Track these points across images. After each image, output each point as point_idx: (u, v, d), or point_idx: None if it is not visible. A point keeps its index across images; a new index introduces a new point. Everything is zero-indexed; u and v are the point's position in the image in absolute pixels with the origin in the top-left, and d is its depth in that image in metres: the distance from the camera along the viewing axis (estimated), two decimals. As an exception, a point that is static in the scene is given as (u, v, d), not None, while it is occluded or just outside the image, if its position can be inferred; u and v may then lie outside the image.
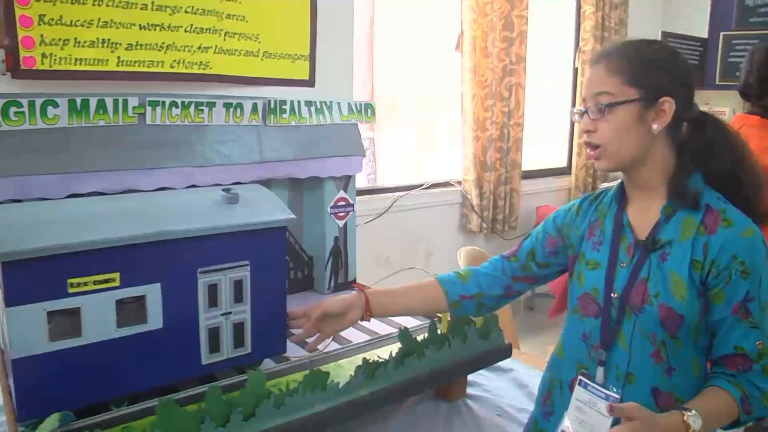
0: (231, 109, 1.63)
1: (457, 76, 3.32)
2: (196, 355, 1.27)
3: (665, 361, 0.97)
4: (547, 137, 4.18)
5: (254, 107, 1.67)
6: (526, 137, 3.59)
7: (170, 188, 1.51)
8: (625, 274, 1.02)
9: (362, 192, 3.19)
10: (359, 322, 1.25)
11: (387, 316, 1.30)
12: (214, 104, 1.61)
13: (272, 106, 1.68)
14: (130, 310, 1.15)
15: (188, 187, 1.55)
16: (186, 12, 2.45)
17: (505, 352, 1.50)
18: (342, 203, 1.86)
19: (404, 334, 1.32)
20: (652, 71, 0.98)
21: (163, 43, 2.42)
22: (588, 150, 1.06)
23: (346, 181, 1.87)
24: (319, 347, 1.35)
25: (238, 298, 1.29)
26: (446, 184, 3.43)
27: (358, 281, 1.96)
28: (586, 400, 1.00)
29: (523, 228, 3.68)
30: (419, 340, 1.34)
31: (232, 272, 1.28)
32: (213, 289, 1.26)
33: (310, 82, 2.81)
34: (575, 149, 4.01)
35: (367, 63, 3.51)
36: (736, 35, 2.67)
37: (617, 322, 1.01)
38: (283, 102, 1.70)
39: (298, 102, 1.74)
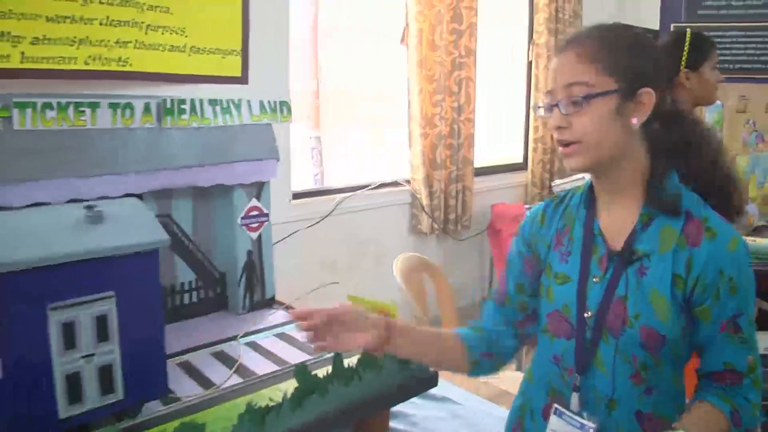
0: (119, 110, 1.41)
1: (405, 70, 3.10)
2: (51, 407, 1.04)
3: (644, 382, 0.89)
4: (502, 132, 3.98)
5: (146, 107, 1.44)
6: (479, 133, 3.39)
7: (45, 204, 1.26)
8: (598, 291, 0.91)
9: (305, 194, 2.97)
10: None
11: (400, 355, 1.06)
12: (98, 104, 1.38)
13: (168, 105, 1.46)
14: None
15: (70, 201, 1.32)
16: (101, 3, 2.19)
17: (430, 381, 1.30)
18: (254, 213, 1.64)
19: (301, 371, 1.11)
20: (632, 59, 0.86)
21: (75, 37, 2.15)
22: (560, 147, 0.90)
23: (259, 188, 1.65)
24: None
25: (102, 336, 1.07)
26: (395, 183, 3.22)
27: (279, 297, 1.74)
28: (562, 431, 0.91)
29: (477, 227, 3.49)
30: (320, 376, 1.13)
31: (92, 307, 1.05)
32: (69, 328, 1.04)
33: (242, 79, 2.56)
34: (531, 144, 3.82)
35: (311, 58, 3.27)
36: (685, 26, 2.51)
37: (593, 343, 0.91)
38: (182, 101, 1.48)
39: (200, 101, 1.51)
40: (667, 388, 0.91)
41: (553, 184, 3.44)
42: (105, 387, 1.09)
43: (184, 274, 1.60)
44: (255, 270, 1.67)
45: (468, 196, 3.35)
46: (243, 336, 1.51)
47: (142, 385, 1.12)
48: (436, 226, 3.23)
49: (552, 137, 4.17)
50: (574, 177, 3.36)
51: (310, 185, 3.15)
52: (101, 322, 1.06)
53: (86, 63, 2.26)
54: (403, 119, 3.26)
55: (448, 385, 1.49)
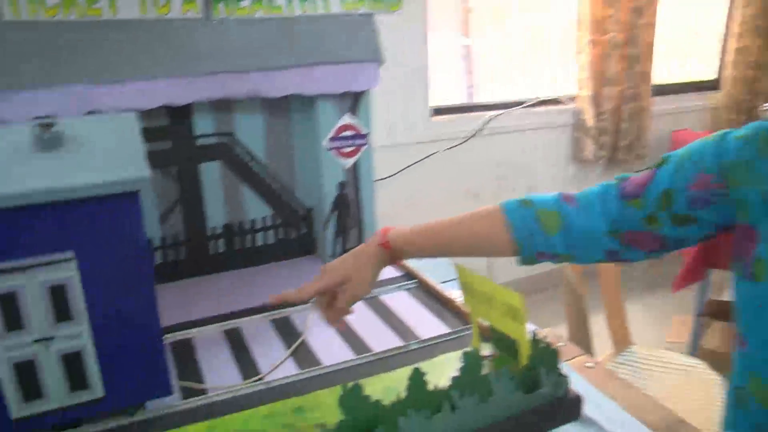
0: (154, -5, 0.99)
1: (574, -38, 2.42)
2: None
3: None
4: (689, 42, 3.13)
5: (193, -9, 1.01)
6: (661, 42, 2.63)
7: (48, 117, 0.90)
8: None
9: (448, 110, 2.47)
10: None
11: (419, 255, 0.90)
12: (126, -13, 0.98)
13: (223, -12, 1.02)
14: None
15: (87, 114, 0.96)
16: None
17: (573, 410, 0.81)
18: (348, 134, 1.19)
19: (416, 379, 0.68)
20: None
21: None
22: None
23: (354, 100, 1.19)
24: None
25: (62, 313, 0.70)
26: (555, 101, 2.60)
27: None
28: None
29: (654, 158, 2.79)
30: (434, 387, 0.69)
31: (43, 273, 0.68)
32: (9, 302, 0.68)
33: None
34: (729, 57, 2.95)
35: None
36: None
37: None
38: (243, -18, 1.03)
39: (269, -19, 1.06)
40: None
41: (763, 107, 2.62)
42: (75, 380, 0.73)
43: (256, 208, 1.23)
44: (348, 207, 1.24)
45: (644, 119, 2.64)
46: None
47: (131, 379, 0.76)
48: (603, 153, 2.59)
49: (761, 47, 3.27)
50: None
51: (456, 100, 2.63)
52: (58, 294, 0.70)
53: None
54: (568, 24, 2.60)
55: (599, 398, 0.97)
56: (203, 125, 1.15)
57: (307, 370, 0.91)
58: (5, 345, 0.70)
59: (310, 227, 1.30)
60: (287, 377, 0.90)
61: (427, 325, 1.04)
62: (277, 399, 0.85)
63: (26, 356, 0.71)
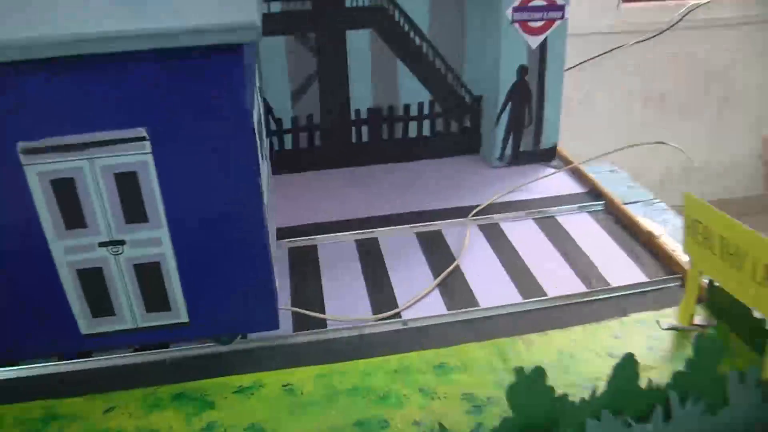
0: None
1: None
2: (64, 316, 0.55)
3: None
4: None
5: None
6: None
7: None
8: None
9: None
10: None
11: None
12: None
13: None
14: None
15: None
16: None
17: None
18: (539, 3, 0.87)
19: (626, 365, 0.45)
20: None
21: None
22: None
23: (550, -46, 0.86)
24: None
25: (134, 211, 0.51)
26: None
27: (563, 149, 1.02)
28: None
29: None
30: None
31: (107, 153, 0.49)
32: (65, 190, 0.50)
33: None
34: None
35: None
36: None
37: None
38: None
39: None
40: None
41: None
42: (153, 299, 0.56)
43: (411, 92, 0.97)
44: (529, 99, 0.95)
45: None
46: (476, 213, 0.85)
47: (224, 305, 0.57)
48: None
49: None
50: None
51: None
52: (128, 185, 0.50)
53: None
54: None
55: None
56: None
57: (456, 311, 0.68)
58: (65, 246, 0.53)
59: (476, 120, 1.02)
60: (430, 317, 0.68)
61: (617, 266, 0.76)
62: (414, 347, 0.64)
63: (92, 263, 0.54)
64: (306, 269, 0.77)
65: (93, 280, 0.55)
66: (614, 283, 0.72)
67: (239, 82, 0.48)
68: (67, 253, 0.53)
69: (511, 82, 0.93)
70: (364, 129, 0.99)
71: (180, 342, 0.63)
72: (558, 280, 0.73)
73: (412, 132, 1.00)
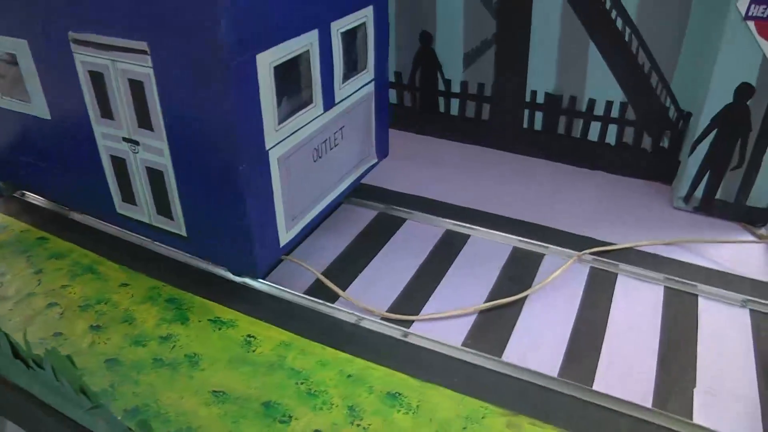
0: None
1: None
2: (104, 192, 0.61)
3: None
4: None
5: None
6: None
7: None
8: None
9: None
10: None
11: None
12: None
13: None
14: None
15: None
16: None
17: None
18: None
19: None
20: None
21: None
22: None
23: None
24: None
25: (143, 118, 0.54)
26: None
27: None
28: None
29: None
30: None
31: (123, 59, 0.51)
32: (98, 84, 0.54)
33: None
34: None
35: None
36: None
37: None
38: None
39: None
40: None
41: None
42: (160, 203, 0.57)
43: (602, 85, 0.78)
44: (746, 131, 0.68)
45: None
46: (600, 253, 0.66)
47: (216, 235, 0.56)
48: None
49: None
50: None
51: None
52: (137, 92, 0.52)
53: None
54: None
55: None
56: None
57: (470, 350, 0.55)
58: (101, 131, 0.57)
59: (677, 143, 0.77)
60: (436, 342, 0.56)
61: (727, 403, 0.51)
62: (391, 362, 0.54)
63: (118, 152, 0.57)
64: (373, 240, 0.71)
65: (120, 168, 0.59)
66: (702, 422, 0.49)
67: (225, 9, 0.44)
68: (104, 138, 0.58)
69: (722, 102, 0.67)
70: (539, 115, 0.84)
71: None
72: (624, 377, 0.53)
73: (593, 134, 0.81)
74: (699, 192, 0.74)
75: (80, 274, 0.65)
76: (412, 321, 0.59)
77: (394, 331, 0.58)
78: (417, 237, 0.72)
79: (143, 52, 0.49)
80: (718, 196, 0.73)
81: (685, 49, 0.74)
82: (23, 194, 0.78)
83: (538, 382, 0.52)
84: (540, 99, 0.83)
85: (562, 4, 0.76)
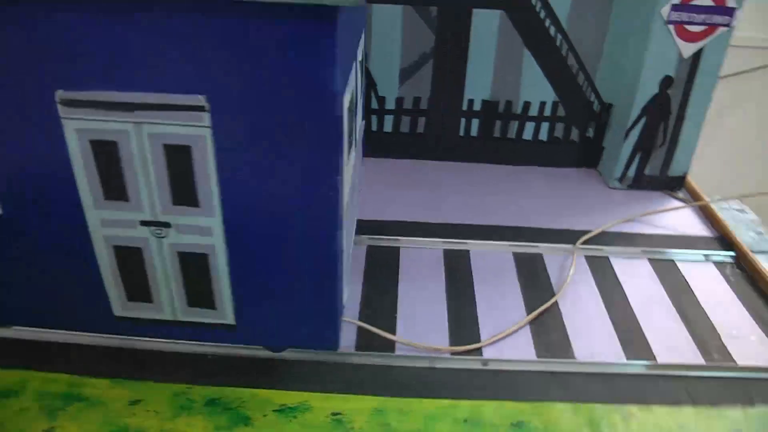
0: None
1: None
2: (98, 293, 0.44)
3: None
4: None
5: None
6: None
7: None
8: None
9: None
10: None
11: None
12: None
13: None
14: None
15: None
16: None
17: None
18: (704, 3, 0.68)
19: None
20: None
21: None
22: None
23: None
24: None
25: (184, 192, 0.39)
26: None
27: (691, 179, 0.82)
28: None
29: None
30: None
31: (158, 120, 0.36)
32: (108, 157, 0.38)
33: None
34: None
35: None
36: None
37: None
38: None
39: None
40: None
41: None
42: (195, 293, 0.44)
43: (534, 88, 0.80)
44: (667, 116, 0.75)
45: None
46: (585, 242, 0.68)
47: (279, 315, 0.44)
48: None
49: None
50: None
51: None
52: (179, 160, 0.38)
53: None
54: None
55: None
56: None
57: (546, 360, 0.53)
58: (103, 217, 0.42)
59: (600, 131, 0.84)
60: (515, 362, 0.53)
61: (745, 339, 0.58)
62: (490, 394, 0.49)
63: (131, 241, 0.42)
64: (382, 275, 0.63)
65: (131, 260, 0.43)
66: (740, 361, 0.54)
67: (330, 56, 0.34)
68: (105, 225, 0.42)
69: (650, 93, 0.74)
70: (475, 122, 0.83)
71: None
72: (670, 343, 0.56)
73: (528, 134, 0.83)
74: (631, 171, 0.80)
75: (61, 408, 0.47)
76: (481, 348, 0.54)
77: (471, 363, 0.52)
78: (422, 263, 0.66)
79: (198, 108, 0.36)
80: (647, 172, 0.81)
81: (607, 50, 0.78)
82: None
83: (628, 371, 0.52)
84: (477, 106, 0.82)
85: (500, 15, 0.76)
